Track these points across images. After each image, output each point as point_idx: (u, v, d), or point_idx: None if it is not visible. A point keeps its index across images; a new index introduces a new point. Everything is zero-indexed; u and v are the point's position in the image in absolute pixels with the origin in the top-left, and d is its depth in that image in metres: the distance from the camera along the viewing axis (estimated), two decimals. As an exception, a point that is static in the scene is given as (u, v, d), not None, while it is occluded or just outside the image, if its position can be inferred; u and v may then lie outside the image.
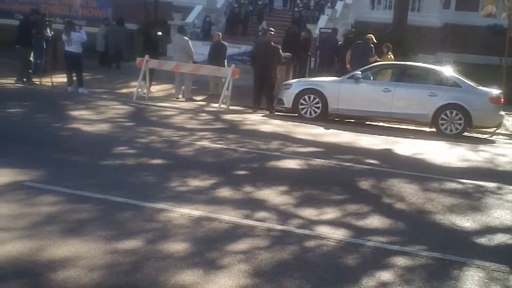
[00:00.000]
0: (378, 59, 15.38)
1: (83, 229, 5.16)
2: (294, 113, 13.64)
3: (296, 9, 26.17)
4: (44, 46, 16.25)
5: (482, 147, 12.03)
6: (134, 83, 15.36)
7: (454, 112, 12.81)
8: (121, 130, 10.22)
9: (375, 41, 15.76)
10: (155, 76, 16.03)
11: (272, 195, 6.76)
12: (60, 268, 4.33)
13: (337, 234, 5.63)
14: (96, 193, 6.19)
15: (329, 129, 12.40)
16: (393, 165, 9.13)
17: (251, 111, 14.28)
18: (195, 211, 5.88)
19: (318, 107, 13.48)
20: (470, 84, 13.27)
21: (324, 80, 14.13)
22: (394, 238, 5.66)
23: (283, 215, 6.07)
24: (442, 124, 12.91)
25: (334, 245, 5.32)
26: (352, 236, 5.62)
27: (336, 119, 14.02)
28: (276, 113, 14.13)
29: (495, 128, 13.62)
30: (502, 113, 13.41)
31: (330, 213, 6.28)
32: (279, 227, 5.66)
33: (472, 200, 7.41)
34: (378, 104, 13.27)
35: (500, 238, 6.02)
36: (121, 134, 9.89)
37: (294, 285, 4.41)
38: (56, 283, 4.12)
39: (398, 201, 7.04)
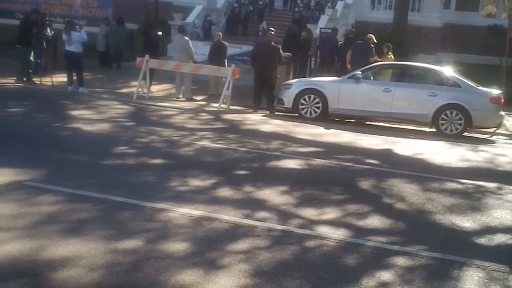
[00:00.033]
0: (378, 59, 15.38)
1: (83, 228, 5.16)
2: (294, 113, 13.64)
3: (296, 9, 26.18)
4: (45, 46, 16.26)
5: (482, 147, 12.03)
6: (135, 83, 15.36)
7: (454, 112, 12.81)
8: (121, 130, 10.22)
9: (376, 41, 15.76)
10: (155, 76, 16.04)
11: (273, 195, 6.76)
12: (60, 268, 4.33)
13: (338, 234, 5.63)
14: (96, 193, 6.19)
15: (329, 129, 12.40)
16: (393, 165, 9.13)
17: (251, 111, 14.28)
18: (196, 211, 5.88)
19: (318, 107, 13.48)
20: (470, 84, 13.27)
21: (324, 80, 14.13)
22: (394, 238, 5.66)
23: (284, 215, 6.07)
24: (442, 124, 12.91)
25: (334, 245, 5.32)
26: (352, 236, 5.62)
27: (336, 119, 14.02)
28: (276, 113, 14.13)
29: (495, 128, 13.63)
30: (502, 113, 13.41)
31: (331, 213, 6.28)
32: (280, 227, 5.67)
33: (472, 200, 7.41)
34: (378, 104, 13.27)
35: (500, 238, 6.02)
36: (122, 133, 9.89)
37: (295, 285, 4.41)
38: (57, 283, 4.13)
39: (398, 201, 7.05)
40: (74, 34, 14.75)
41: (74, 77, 15.05)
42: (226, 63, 15.82)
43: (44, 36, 16.10)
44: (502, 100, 13.29)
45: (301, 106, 13.55)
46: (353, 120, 14.11)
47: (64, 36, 14.85)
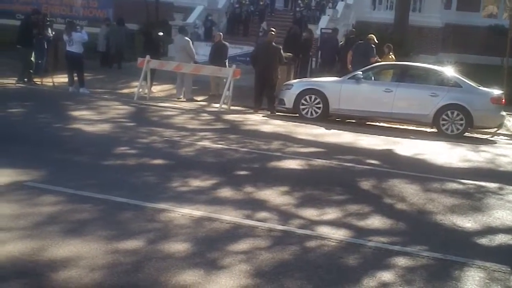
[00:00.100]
0: (379, 60, 15.38)
1: (84, 229, 5.16)
2: (295, 114, 13.64)
3: (297, 9, 26.21)
4: (45, 46, 16.26)
5: (483, 147, 12.03)
6: (135, 83, 15.37)
7: (455, 113, 12.81)
8: (122, 130, 10.22)
9: (376, 41, 15.76)
10: (156, 76, 16.05)
11: (273, 195, 6.76)
12: (61, 268, 4.34)
13: (338, 234, 5.63)
14: (97, 193, 6.20)
15: (330, 129, 12.40)
16: (394, 165, 9.13)
17: (252, 111, 14.28)
18: (196, 211, 5.88)
19: (319, 108, 13.48)
20: (471, 85, 13.26)
21: (325, 81, 14.13)
22: (395, 239, 5.66)
23: (284, 215, 6.07)
24: (443, 125, 12.91)
25: (335, 245, 5.32)
26: (353, 236, 5.62)
27: (337, 120, 14.02)
28: (277, 113, 14.13)
29: (496, 129, 13.63)
30: (503, 113, 13.40)
31: (331, 214, 6.28)
32: (280, 227, 5.67)
33: (473, 201, 7.40)
34: (379, 104, 13.26)
35: (501, 239, 6.02)
36: (122, 134, 9.89)
37: (295, 286, 4.41)
38: (57, 283, 4.13)
39: (399, 201, 7.04)
40: (75, 34, 14.76)
41: (75, 78, 15.06)
42: (227, 64, 15.82)
43: (45, 36, 16.11)
44: (503, 101, 13.29)
45: (302, 107, 13.55)
46: (353, 121, 14.10)
47: (65, 37, 14.86)
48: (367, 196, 7.16)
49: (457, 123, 12.82)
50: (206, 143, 9.57)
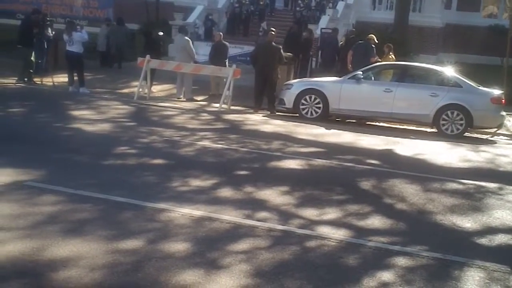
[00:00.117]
0: (379, 60, 15.38)
1: (84, 229, 5.16)
2: (295, 113, 13.64)
3: (298, 8, 26.21)
4: (46, 46, 16.28)
5: (483, 147, 12.03)
6: (135, 83, 15.37)
7: (455, 113, 12.81)
8: (122, 130, 10.22)
9: (376, 41, 15.77)
10: (156, 76, 16.05)
11: (273, 195, 6.76)
12: (61, 268, 4.34)
13: (338, 234, 5.63)
14: (97, 193, 6.20)
15: (330, 129, 12.40)
16: (394, 165, 9.13)
17: (252, 111, 14.28)
18: (196, 211, 5.88)
19: (319, 107, 13.48)
20: (471, 85, 13.26)
21: (325, 80, 14.12)
22: (395, 239, 5.66)
23: (284, 215, 6.08)
24: (443, 125, 12.91)
25: (335, 245, 5.32)
26: (353, 236, 5.62)
27: (337, 120, 14.02)
28: (277, 113, 14.13)
29: (496, 129, 13.62)
30: (503, 113, 13.39)
31: (331, 213, 6.28)
32: (280, 227, 5.67)
33: (473, 201, 7.40)
34: (379, 104, 13.26)
35: (501, 239, 6.02)
36: (122, 134, 9.89)
37: (295, 285, 4.41)
38: (58, 283, 4.13)
39: (399, 201, 7.04)
40: (75, 34, 14.77)
41: (75, 77, 15.06)
42: (227, 63, 15.82)
43: (45, 36, 16.13)
44: (503, 101, 13.28)
45: (302, 107, 13.56)
46: (354, 121, 14.10)
47: (65, 37, 14.87)
48: (367, 196, 7.16)
49: (457, 123, 12.82)
50: (206, 143, 9.57)
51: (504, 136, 13.95)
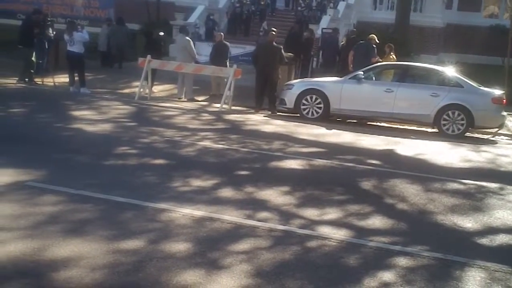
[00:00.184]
0: (380, 60, 15.38)
1: (85, 229, 5.17)
2: (296, 113, 13.64)
3: (299, 8, 26.20)
4: (46, 46, 16.28)
5: (484, 147, 12.02)
6: (136, 83, 15.37)
7: (456, 113, 12.81)
8: (123, 130, 10.23)
9: (377, 41, 15.77)
10: (157, 76, 16.05)
11: (274, 195, 6.76)
12: (62, 268, 4.34)
13: (339, 234, 5.63)
14: (98, 193, 6.20)
15: (331, 129, 12.40)
16: (395, 165, 9.13)
17: (253, 111, 14.28)
18: (197, 211, 5.88)
19: (320, 108, 13.48)
20: (472, 85, 13.25)
21: (326, 81, 14.13)
22: (396, 239, 5.66)
23: (285, 215, 6.07)
24: (444, 125, 12.91)
25: (336, 246, 5.32)
26: (354, 236, 5.62)
27: (338, 120, 14.02)
28: (278, 113, 14.13)
29: (497, 129, 13.62)
30: (504, 113, 13.39)
31: (332, 214, 6.28)
32: (281, 227, 5.67)
33: (474, 201, 7.40)
34: (380, 104, 13.26)
35: (502, 239, 6.02)
36: (123, 134, 9.90)
37: (296, 285, 4.41)
38: (58, 283, 4.13)
39: (400, 201, 7.04)
40: (76, 34, 14.77)
41: (76, 78, 15.07)
42: (227, 63, 15.82)
43: (46, 36, 16.12)
44: (504, 101, 13.27)
45: (302, 107, 13.56)
46: (354, 121, 14.10)
47: (66, 37, 14.87)
48: (368, 196, 7.16)
49: (458, 123, 12.82)
50: (207, 143, 9.57)
51: (505, 136, 13.94)
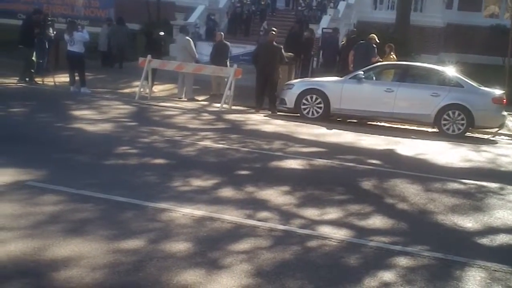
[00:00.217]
0: (381, 59, 15.38)
1: (85, 228, 5.17)
2: (296, 113, 13.64)
3: (299, 8, 26.20)
4: (47, 46, 16.28)
5: (484, 147, 12.02)
6: (137, 83, 15.37)
7: (457, 113, 12.81)
8: (123, 130, 10.23)
9: (378, 41, 15.77)
10: (158, 76, 16.05)
11: (274, 195, 6.76)
12: (62, 268, 4.34)
13: (339, 234, 5.63)
14: (99, 193, 6.20)
15: (331, 129, 12.40)
16: (396, 165, 9.13)
17: (253, 111, 14.29)
18: (197, 211, 5.88)
19: (320, 107, 13.48)
20: (473, 85, 13.25)
21: (326, 80, 14.13)
22: (396, 238, 5.66)
23: (285, 215, 6.07)
24: (445, 125, 12.91)
25: (336, 245, 5.32)
26: (354, 236, 5.62)
27: (338, 119, 14.02)
28: (278, 113, 14.13)
29: (497, 129, 13.63)
30: (505, 113, 13.39)
31: (332, 213, 6.28)
32: (281, 227, 5.67)
33: (474, 201, 7.40)
34: (381, 104, 13.26)
35: (502, 239, 6.02)
36: (124, 134, 9.90)
37: (296, 285, 4.41)
38: (59, 283, 4.13)
39: (400, 201, 7.04)
40: (76, 34, 14.78)
41: (76, 77, 15.07)
42: (228, 63, 15.82)
43: (46, 36, 16.12)
44: (505, 100, 13.27)
45: (303, 106, 13.56)
46: (355, 120, 14.10)
47: (66, 36, 14.88)
48: (368, 196, 7.16)
49: (459, 123, 12.82)
50: (207, 143, 9.57)
51: (506, 136, 13.94)
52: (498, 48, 21.95)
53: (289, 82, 14.63)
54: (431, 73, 14.07)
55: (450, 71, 14.07)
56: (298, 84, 14.05)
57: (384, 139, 11.73)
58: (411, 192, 7.48)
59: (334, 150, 10.10)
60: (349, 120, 14.14)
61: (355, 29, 19.91)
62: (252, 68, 15.02)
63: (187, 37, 15.83)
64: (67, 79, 15.32)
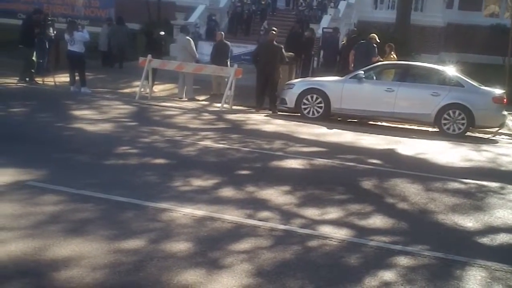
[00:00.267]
0: (381, 59, 15.38)
1: (85, 228, 5.17)
2: (297, 113, 13.64)
3: (300, 8, 26.21)
4: (47, 46, 16.28)
5: (484, 147, 12.02)
6: (137, 83, 15.37)
7: (457, 112, 12.81)
8: (123, 130, 10.23)
9: (378, 40, 15.77)
10: (158, 76, 16.05)
11: (275, 194, 6.76)
12: (63, 268, 4.34)
13: (340, 234, 5.63)
14: (99, 193, 6.20)
15: (331, 129, 12.40)
16: (396, 165, 9.13)
17: (254, 110, 14.29)
18: (198, 211, 5.88)
19: (320, 107, 13.48)
20: (473, 84, 13.25)
21: (326, 80, 14.13)
22: (396, 238, 5.66)
23: (286, 215, 6.07)
24: (445, 124, 12.91)
25: (336, 245, 5.32)
26: (355, 236, 5.62)
27: (338, 119, 14.02)
28: (278, 113, 14.13)
29: (498, 128, 13.62)
30: (505, 113, 13.39)
31: (333, 213, 6.28)
32: (282, 226, 5.67)
33: (475, 200, 7.40)
34: (381, 104, 13.26)
35: (502, 238, 6.02)
36: (124, 133, 9.90)
37: (297, 285, 4.41)
38: (59, 283, 4.13)
39: (400, 201, 7.04)
40: (77, 34, 14.79)
41: (77, 77, 15.07)
42: (228, 63, 15.82)
43: (47, 36, 16.12)
44: (505, 100, 13.26)
45: (303, 106, 13.56)
46: (355, 120, 14.10)
47: (67, 36, 14.88)
48: (369, 196, 7.16)
49: (459, 122, 12.82)
50: (207, 143, 9.57)
51: (506, 135, 13.93)
52: (498, 47, 21.93)
53: (289, 81, 14.63)
54: (432, 73, 14.07)
55: (451, 70, 14.06)
56: (298, 84, 14.04)
57: (384, 138, 11.73)
58: (411, 191, 7.48)
59: (334, 149, 10.10)
60: (349, 120, 14.13)
61: (355, 29, 19.91)
62: (253, 67, 15.02)
63: (188, 37, 15.83)
64: (67, 79, 15.32)
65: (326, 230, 5.70)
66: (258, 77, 14.47)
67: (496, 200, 7.52)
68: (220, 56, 15.78)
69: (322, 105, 13.44)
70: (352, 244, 5.38)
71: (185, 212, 5.81)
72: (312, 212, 6.21)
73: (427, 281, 4.70)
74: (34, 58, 15.50)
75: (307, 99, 13.53)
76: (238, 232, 5.41)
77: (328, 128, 12.38)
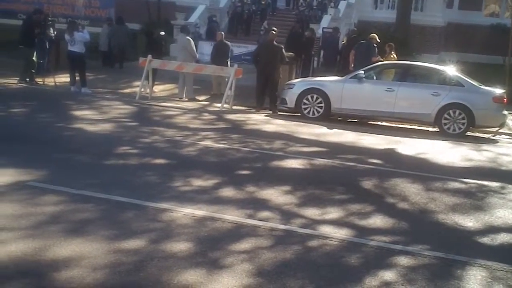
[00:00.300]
0: (381, 59, 15.38)
1: (86, 229, 5.17)
2: (297, 113, 13.65)
3: (300, 7, 26.22)
4: (47, 46, 16.27)
5: (485, 146, 12.02)
6: (137, 83, 15.38)
7: (457, 112, 12.81)
8: (124, 130, 10.23)
9: (378, 40, 15.77)
10: (158, 76, 16.05)
11: (275, 194, 6.76)
12: (63, 268, 4.34)
13: (340, 233, 5.63)
14: (99, 193, 6.20)
15: (332, 128, 12.40)
16: (396, 164, 9.13)
17: (254, 110, 14.29)
18: (198, 211, 5.88)
19: (321, 107, 13.48)
20: (473, 84, 13.25)
21: (327, 80, 14.13)
22: (397, 238, 5.66)
23: (286, 215, 6.07)
24: (445, 124, 12.91)
25: (337, 245, 5.32)
26: (355, 235, 5.62)
27: (339, 119, 14.02)
28: (279, 112, 14.13)
29: (498, 128, 13.62)
30: (505, 112, 13.39)
31: (333, 213, 6.28)
32: (282, 226, 5.67)
33: (475, 200, 7.40)
34: (381, 103, 13.26)
35: (503, 238, 6.02)
36: (124, 134, 9.90)
37: (297, 285, 4.41)
38: (60, 283, 4.13)
39: (401, 200, 7.04)
40: (77, 34, 14.79)
41: (77, 77, 15.07)
42: (228, 63, 15.82)
43: (47, 36, 16.11)
44: (505, 100, 13.26)
45: (303, 106, 13.56)
46: (355, 120, 14.10)
47: (67, 37, 14.89)
48: (369, 196, 7.16)
49: (459, 122, 12.82)
50: (208, 143, 9.57)
51: (506, 135, 13.94)
52: (498, 47, 21.93)
53: (289, 81, 14.63)
54: (432, 73, 14.07)
55: (451, 70, 14.06)
56: (298, 84, 14.04)
57: (384, 138, 11.73)
58: (411, 191, 7.48)
59: (334, 149, 10.11)
60: (349, 120, 14.13)
61: (355, 29, 19.92)
62: (253, 67, 15.03)
63: (188, 37, 15.83)
64: (68, 79, 15.32)
65: (326, 230, 5.70)
66: (258, 77, 14.48)
67: (496, 199, 7.52)
68: (220, 56, 15.78)
69: (322, 105, 13.44)
70: (353, 244, 5.38)
71: (186, 212, 5.81)
72: (312, 212, 6.21)
73: (428, 281, 4.70)
74: (34, 58, 15.50)
75: (307, 99, 13.53)
76: (238, 232, 5.41)
77: (328, 128, 12.38)
